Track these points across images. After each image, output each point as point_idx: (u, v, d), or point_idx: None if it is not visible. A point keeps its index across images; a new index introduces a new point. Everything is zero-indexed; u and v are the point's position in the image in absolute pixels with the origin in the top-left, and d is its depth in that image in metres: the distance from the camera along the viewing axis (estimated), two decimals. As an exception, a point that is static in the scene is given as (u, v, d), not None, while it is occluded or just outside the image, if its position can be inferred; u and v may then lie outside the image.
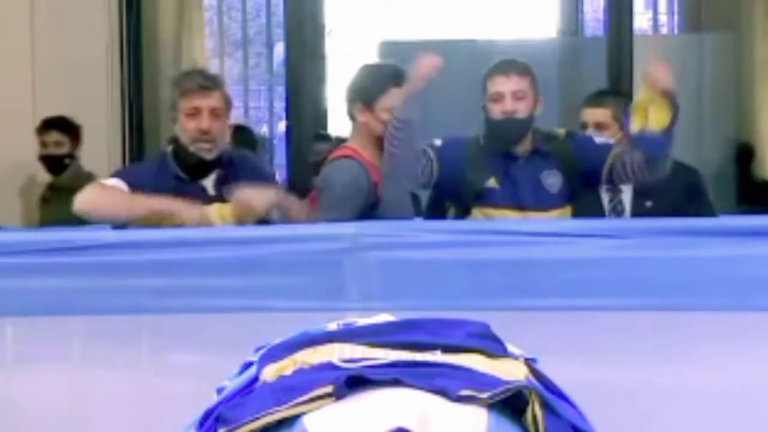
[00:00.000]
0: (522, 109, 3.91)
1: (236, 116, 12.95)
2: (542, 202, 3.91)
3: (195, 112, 3.80)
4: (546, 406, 1.57)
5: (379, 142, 3.94)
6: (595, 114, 4.50)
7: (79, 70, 6.05)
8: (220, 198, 3.80)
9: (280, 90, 11.22)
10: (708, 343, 3.08)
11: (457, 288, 3.11)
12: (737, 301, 3.04)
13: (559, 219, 3.83)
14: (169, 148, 3.91)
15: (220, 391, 1.72)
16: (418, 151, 3.85)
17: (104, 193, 3.82)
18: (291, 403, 1.53)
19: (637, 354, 3.08)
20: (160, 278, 3.21)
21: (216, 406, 1.63)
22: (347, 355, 1.62)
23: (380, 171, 3.97)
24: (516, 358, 1.70)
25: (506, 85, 3.92)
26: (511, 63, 4.02)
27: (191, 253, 3.24)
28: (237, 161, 4.01)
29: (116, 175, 3.98)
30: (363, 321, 1.76)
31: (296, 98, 6.54)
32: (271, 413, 1.53)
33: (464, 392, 1.53)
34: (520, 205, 3.89)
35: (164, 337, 3.28)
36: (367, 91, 4.04)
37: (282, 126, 11.47)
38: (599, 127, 4.44)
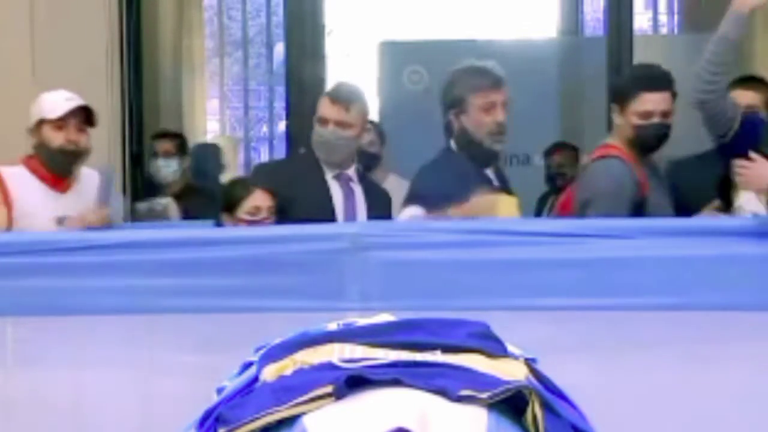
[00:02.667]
0: None
1: (236, 116, 12.97)
2: None
3: (491, 107, 3.97)
4: (546, 406, 1.57)
5: (633, 144, 4.05)
6: (746, 96, 4.53)
7: (79, 70, 6.05)
8: (502, 189, 4.00)
9: (280, 90, 11.23)
10: (709, 343, 3.08)
11: (457, 288, 3.11)
12: (738, 300, 3.04)
13: (559, 219, 3.83)
14: (452, 142, 4.06)
15: (220, 391, 1.72)
16: (729, 98, 3.96)
17: None
18: (291, 403, 1.53)
19: (638, 354, 3.08)
20: (160, 278, 3.21)
21: (216, 406, 1.63)
22: (347, 355, 1.62)
23: (644, 171, 4.05)
24: (516, 358, 1.70)
25: None
26: None
27: (191, 253, 3.24)
28: None
29: (410, 201, 4.04)
30: (363, 321, 1.76)
31: (296, 98, 6.54)
32: (271, 413, 1.53)
33: (464, 392, 1.53)
34: None
35: (164, 337, 3.28)
36: (621, 93, 4.11)
37: (282, 126, 11.47)
38: (750, 109, 4.48)
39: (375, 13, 12.50)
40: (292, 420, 1.52)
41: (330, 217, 4.27)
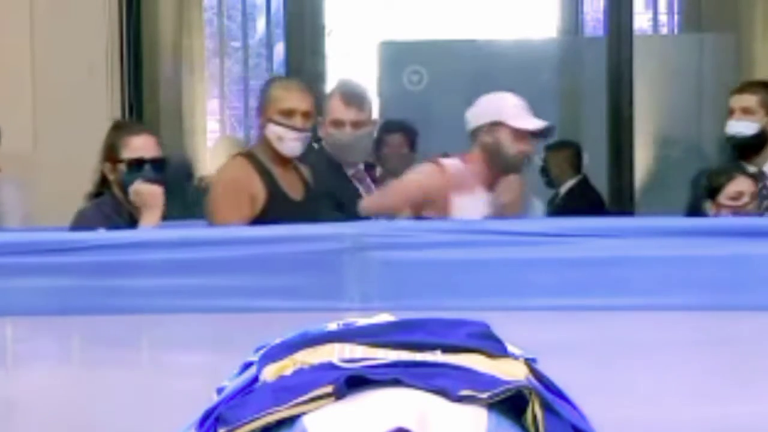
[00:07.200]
0: None
1: (236, 116, 12.97)
2: None
3: None
4: (546, 406, 1.57)
5: None
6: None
7: (79, 70, 6.05)
8: None
9: (280, 90, 11.19)
10: (710, 343, 3.08)
11: (457, 288, 3.11)
12: (737, 300, 3.04)
13: (560, 219, 3.83)
14: None
15: (220, 391, 1.72)
16: None
17: None
18: (291, 403, 1.53)
19: (638, 354, 3.08)
20: (160, 278, 3.21)
21: (216, 406, 1.63)
22: (347, 355, 1.62)
23: None
24: (516, 358, 1.70)
25: None
26: None
27: (191, 253, 3.24)
28: None
29: None
30: (363, 321, 1.76)
31: (296, 98, 6.52)
32: (271, 413, 1.53)
33: (464, 392, 1.53)
34: None
35: (164, 337, 3.28)
36: None
37: (282, 126, 11.39)
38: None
39: (375, 13, 12.49)
40: (292, 420, 1.52)
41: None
